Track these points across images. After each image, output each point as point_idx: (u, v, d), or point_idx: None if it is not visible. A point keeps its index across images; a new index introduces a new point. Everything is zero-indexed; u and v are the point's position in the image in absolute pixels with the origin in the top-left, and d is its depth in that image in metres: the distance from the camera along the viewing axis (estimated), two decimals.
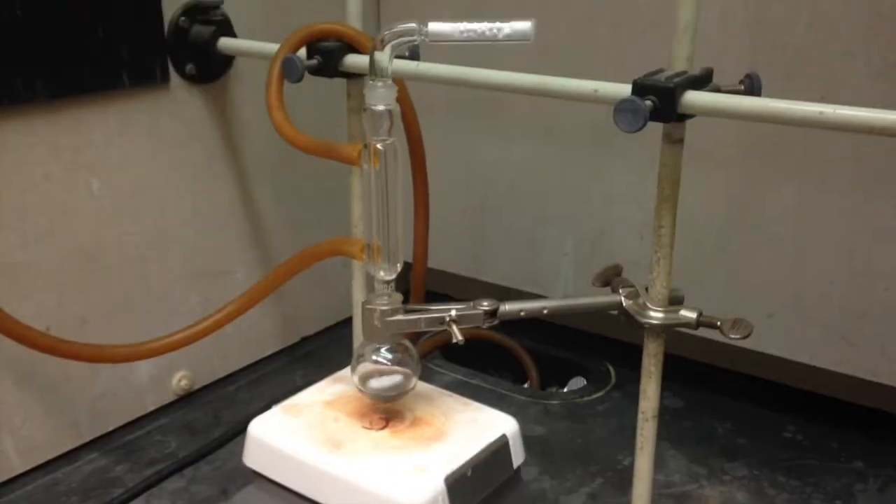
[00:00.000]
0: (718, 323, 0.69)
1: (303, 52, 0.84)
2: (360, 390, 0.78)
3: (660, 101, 0.62)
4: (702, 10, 0.64)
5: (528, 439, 0.86)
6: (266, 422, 0.83)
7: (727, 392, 1.03)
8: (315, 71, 0.83)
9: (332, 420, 0.79)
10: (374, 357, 0.76)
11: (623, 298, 0.72)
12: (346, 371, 0.81)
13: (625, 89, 0.64)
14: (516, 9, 1.01)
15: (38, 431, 0.87)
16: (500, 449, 0.75)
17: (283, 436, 0.79)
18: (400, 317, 0.74)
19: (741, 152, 0.91)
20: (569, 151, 1.03)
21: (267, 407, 0.88)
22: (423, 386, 0.82)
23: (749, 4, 0.86)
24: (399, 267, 0.75)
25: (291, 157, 1.05)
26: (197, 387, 1.02)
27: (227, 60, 0.97)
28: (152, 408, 0.98)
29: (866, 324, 0.88)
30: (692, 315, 0.69)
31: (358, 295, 0.92)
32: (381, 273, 0.74)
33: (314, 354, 1.14)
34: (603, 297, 0.74)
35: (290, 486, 0.77)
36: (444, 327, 0.73)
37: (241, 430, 0.89)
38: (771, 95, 0.62)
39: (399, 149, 0.69)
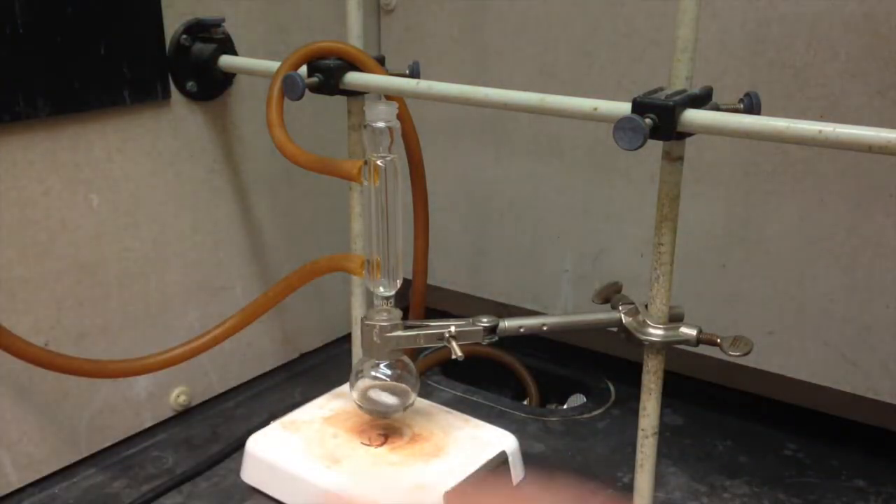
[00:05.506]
0: (718, 340, 0.69)
1: (303, 69, 0.84)
2: (359, 406, 0.78)
3: (659, 119, 0.62)
4: (701, 29, 0.65)
5: (527, 456, 0.85)
6: (264, 438, 0.83)
7: (727, 409, 1.03)
8: (316, 88, 0.83)
9: (331, 436, 0.79)
10: (373, 373, 0.76)
11: (623, 315, 0.72)
12: (346, 387, 0.81)
13: (624, 107, 0.64)
14: (516, 28, 1.02)
15: (35, 446, 0.86)
16: (499, 465, 0.75)
17: (282, 452, 0.79)
18: (399, 333, 0.74)
19: (741, 170, 0.91)
20: (569, 169, 1.04)
21: (265, 423, 0.88)
22: (422, 402, 0.82)
23: (748, 24, 0.86)
24: (398, 283, 0.75)
25: (291, 174, 1.06)
26: (195, 402, 1.02)
27: (227, 78, 0.97)
28: (150, 423, 0.98)
29: (867, 341, 0.88)
30: (692, 332, 0.69)
31: (357, 311, 0.92)
32: (381, 289, 0.74)
33: (313, 370, 1.14)
34: (603, 314, 0.74)
35: (289, 502, 0.77)
36: (444, 344, 0.73)
37: (239, 446, 0.89)
38: (770, 114, 0.62)
39: (399, 165, 0.70)
